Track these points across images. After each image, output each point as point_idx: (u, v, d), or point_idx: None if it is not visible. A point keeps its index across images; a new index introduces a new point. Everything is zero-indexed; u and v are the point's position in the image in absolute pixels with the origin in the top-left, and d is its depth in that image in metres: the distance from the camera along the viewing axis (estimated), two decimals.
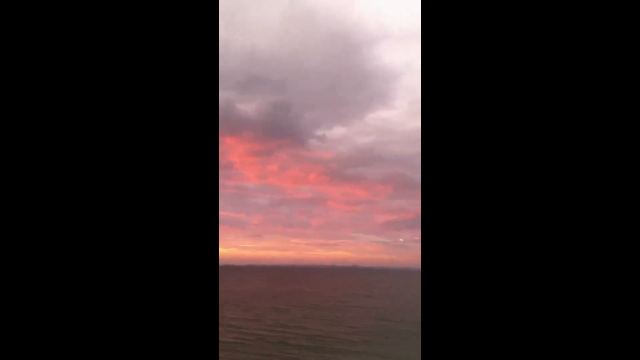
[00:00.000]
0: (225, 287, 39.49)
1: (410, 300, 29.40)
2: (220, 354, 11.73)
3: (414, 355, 11.50)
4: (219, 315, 18.94)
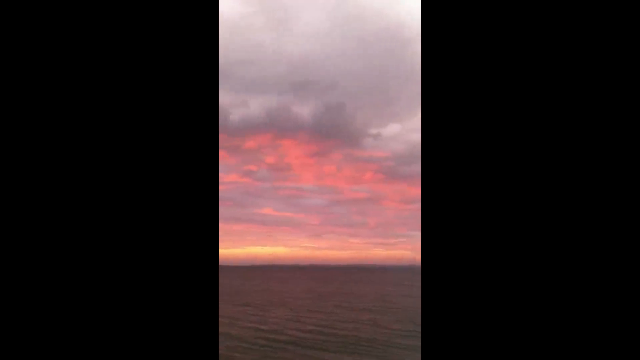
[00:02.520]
0: (284, 288, 39.44)
1: None
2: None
3: None
4: (266, 315, 19.54)
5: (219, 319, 17.84)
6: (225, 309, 21.89)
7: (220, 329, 15.38)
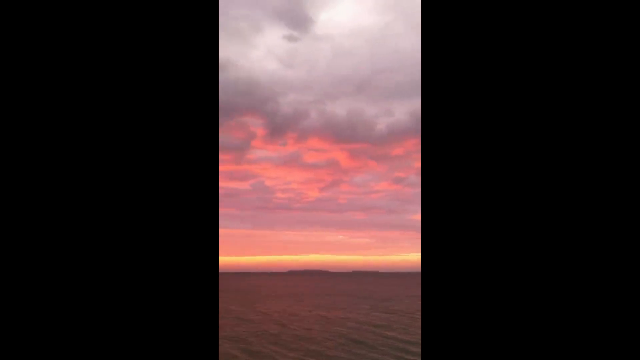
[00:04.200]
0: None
1: None
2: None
3: None
4: (412, 323, 19.03)
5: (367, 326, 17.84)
6: (374, 315, 21.68)
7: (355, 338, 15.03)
